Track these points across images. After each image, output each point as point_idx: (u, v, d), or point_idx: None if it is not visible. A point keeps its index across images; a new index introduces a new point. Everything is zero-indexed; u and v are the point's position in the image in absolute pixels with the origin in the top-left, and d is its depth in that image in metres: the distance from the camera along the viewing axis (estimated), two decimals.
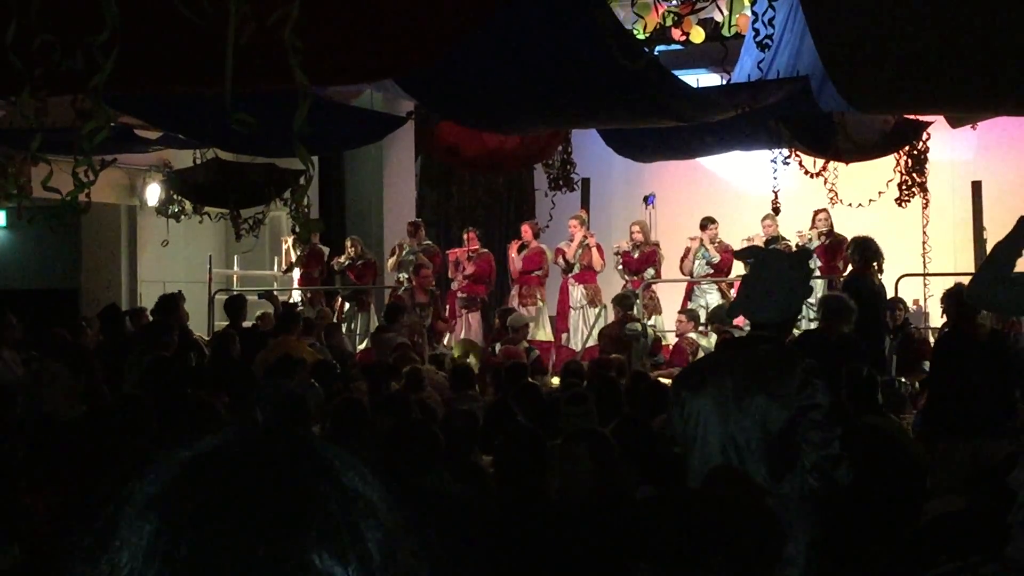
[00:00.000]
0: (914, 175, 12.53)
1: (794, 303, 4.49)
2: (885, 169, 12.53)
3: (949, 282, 9.29)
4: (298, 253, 14.78)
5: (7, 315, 8.86)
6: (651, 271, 13.60)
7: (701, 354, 11.07)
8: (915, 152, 12.35)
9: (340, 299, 14.74)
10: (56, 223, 4.45)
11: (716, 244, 13.47)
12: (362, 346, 13.11)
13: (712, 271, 13.50)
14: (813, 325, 11.35)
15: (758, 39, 7.03)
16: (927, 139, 12.14)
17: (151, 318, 10.53)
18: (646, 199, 14.41)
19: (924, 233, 14.05)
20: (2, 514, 4.15)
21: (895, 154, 12.18)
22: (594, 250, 13.56)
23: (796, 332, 9.83)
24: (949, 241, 14.33)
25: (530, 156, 12.37)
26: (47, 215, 4.34)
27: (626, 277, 13.59)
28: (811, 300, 11.55)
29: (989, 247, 5.31)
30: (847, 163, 11.85)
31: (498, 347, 11.50)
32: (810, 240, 13.00)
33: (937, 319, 10.98)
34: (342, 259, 14.68)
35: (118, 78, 3.52)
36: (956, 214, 14.38)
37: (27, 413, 6.57)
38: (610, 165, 14.19)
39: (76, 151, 3.70)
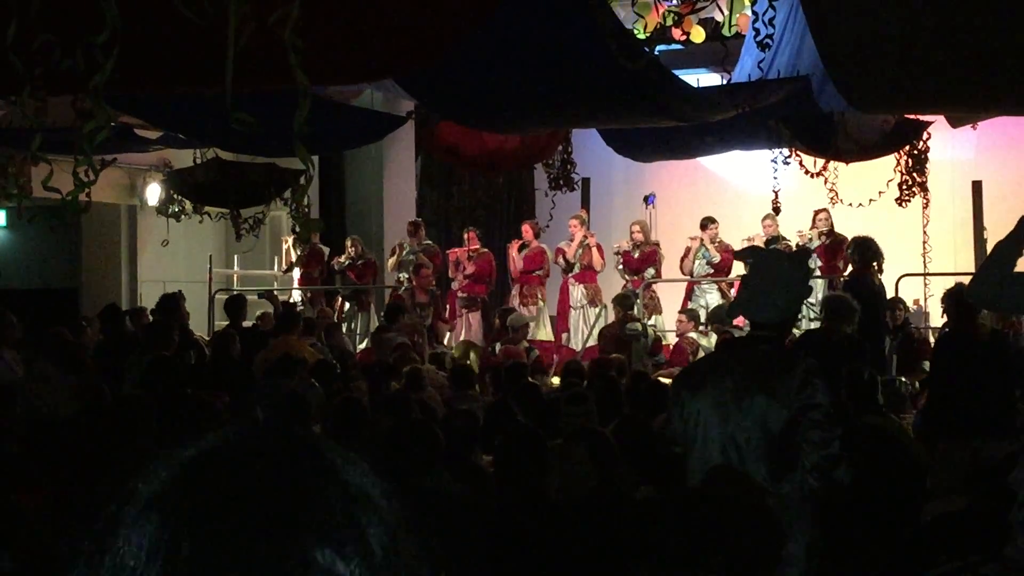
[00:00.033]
0: (914, 175, 12.53)
1: (793, 303, 4.49)
2: (885, 169, 12.53)
3: (949, 282, 9.29)
4: (298, 253, 14.78)
5: (7, 315, 8.85)
6: (651, 271, 13.61)
7: (701, 354, 11.07)
8: (915, 152, 12.36)
9: (340, 299, 14.74)
10: (56, 223, 4.45)
11: (716, 244, 13.48)
12: (362, 346, 13.11)
13: (712, 271, 13.50)
14: (813, 325, 11.36)
15: (758, 39, 7.02)
16: (927, 139, 12.15)
17: (151, 318, 10.53)
18: (646, 199, 14.41)
19: (924, 233, 14.05)
20: None
21: (895, 154, 12.18)
22: (594, 250, 13.56)
23: (796, 332, 9.84)
24: (949, 241, 14.34)
25: (530, 156, 12.37)
26: (47, 215, 4.34)
27: (626, 277, 13.59)
28: (811, 300, 11.56)
29: (989, 247, 5.31)
30: (847, 163, 11.85)
31: (498, 347, 11.51)
32: (810, 240, 13.00)
33: (937, 319, 10.98)
34: (342, 259, 14.68)
35: (118, 78, 3.52)
36: (956, 214, 14.38)
37: (20, 413, 6.57)
38: (610, 165, 14.20)
39: (76, 151, 3.70)
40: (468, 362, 10.09)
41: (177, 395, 6.62)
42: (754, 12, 7.44)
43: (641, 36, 11.26)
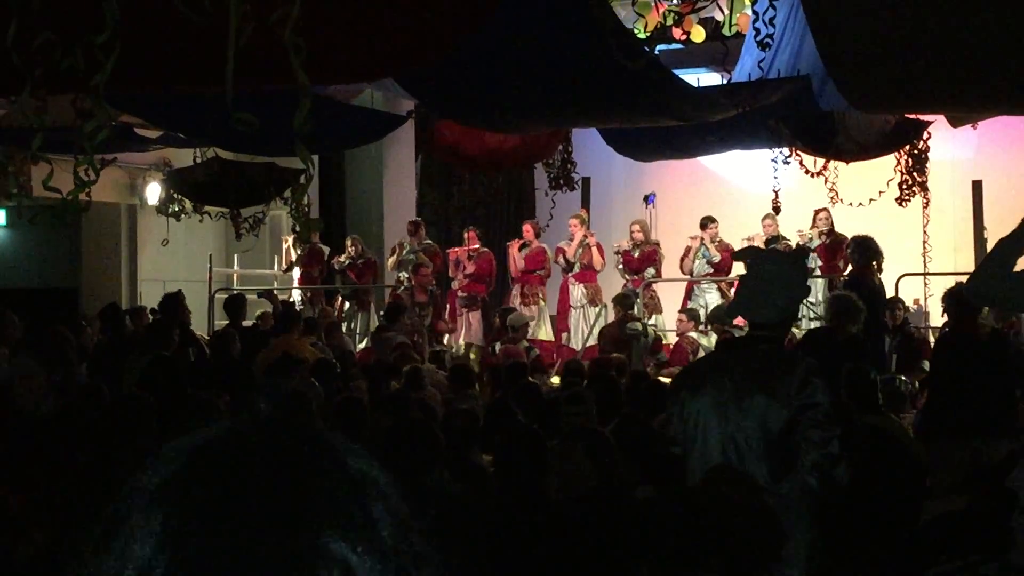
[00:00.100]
0: (914, 174, 12.52)
1: (792, 303, 4.49)
2: (885, 168, 12.52)
3: (949, 282, 9.29)
4: (298, 252, 14.78)
5: (8, 314, 8.85)
6: (651, 270, 13.61)
7: (701, 353, 11.08)
8: (915, 151, 12.34)
9: (340, 298, 14.74)
10: (57, 222, 4.44)
11: (716, 243, 13.48)
12: (362, 345, 13.12)
13: (712, 270, 13.51)
14: (813, 325, 11.36)
15: (759, 38, 7.02)
16: (927, 138, 12.13)
17: (151, 317, 10.52)
18: (646, 198, 14.42)
19: (924, 233, 14.05)
20: None
21: (895, 153, 12.17)
22: (594, 249, 13.56)
23: (796, 332, 9.84)
24: (949, 241, 14.34)
25: (530, 155, 12.37)
26: (48, 214, 4.34)
27: (626, 276, 13.59)
28: (811, 300, 11.52)
29: (989, 247, 5.31)
30: (847, 162, 11.84)
31: (498, 347, 11.51)
32: (810, 239, 13.00)
33: (937, 319, 10.98)
34: (342, 258, 14.68)
35: (118, 77, 3.52)
36: (956, 214, 14.38)
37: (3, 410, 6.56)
38: (610, 164, 14.19)
39: (77, 150, 3.70)
40: (468, 362, 10.10)
41: (177, 395, 6.62)
42: (754, 12, 7.45)
43: (641, 36, 11.26)
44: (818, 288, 12.39)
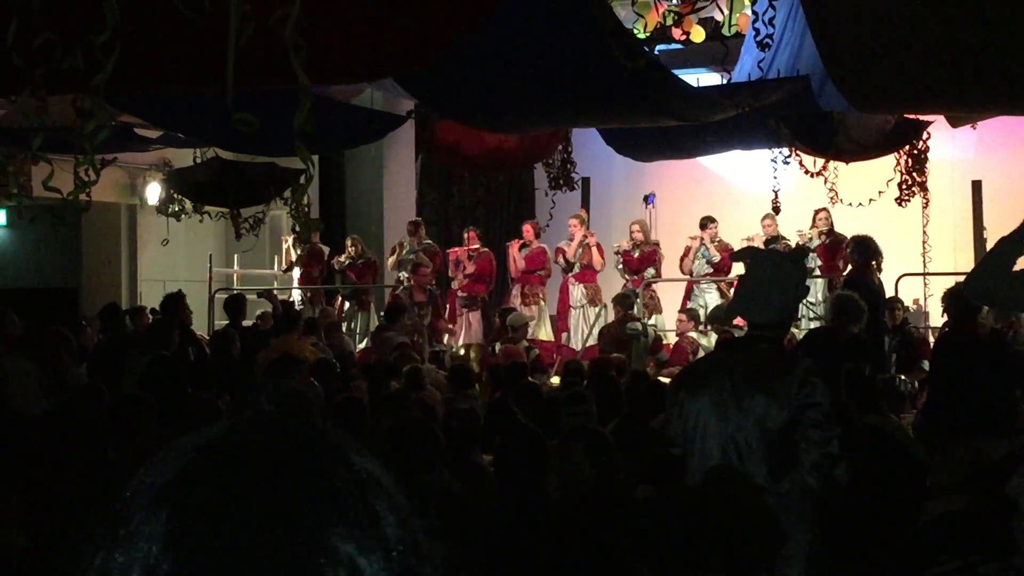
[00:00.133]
0: (914, 174, 12.52)
1: (791, 303, 4.50)
2: (885, 168, 12.52)
3: (949, 282, 9.29)
4: (298, 252, 14.79)
5: (8, 314, 8.84)
6: (651, 270, 13.61)
7: (701, 353, 11.07)
8: (915, 152, 12.34)
9: (340, 298, 14.75)
10: (57, 222, 4.45)
11: (716, 243, 13.48)
12: (362, 345, 13.12)
13: (712, 270, 13.51)
14: (813, 325, 11.37)
15: (758, 38, 7.03)
16: (927, 139, 12.14)
17: (151, 317, 10.52)
18: (646, 198, 14.42)
19: (924, 233, 14.04)
20: None
21: (895, 153, 12.18)
22: (594, 249, 13.57)
23: (796, 332, 9.84)
24: (949, 241, 14.34)
25: (530, 155, 12.38)
26: (48, 214, 4.34)
27: (626, 276, 13.59)
28: (811, 300, 11.52)
29: (989, 246, 5.31)
30: (847, 162, 11.85)
31: (498, 347, 11.51)
32: (810, 239, 13.01)
33: (937, 319, 10.98)
34: (342, 258, 14.68)
35: (119, 77, 3.53)
36: (956, 214, 14.39)
37: None
38: (610, 164, 14.20)
39: (77, 150, 3.70)
40: (468, 362, 10.10)
41: (177, 395, 6.62)
42: (754, 12, 7.45)
43: (641, 36, 11.27)
44: (818, 288, 12.40)
